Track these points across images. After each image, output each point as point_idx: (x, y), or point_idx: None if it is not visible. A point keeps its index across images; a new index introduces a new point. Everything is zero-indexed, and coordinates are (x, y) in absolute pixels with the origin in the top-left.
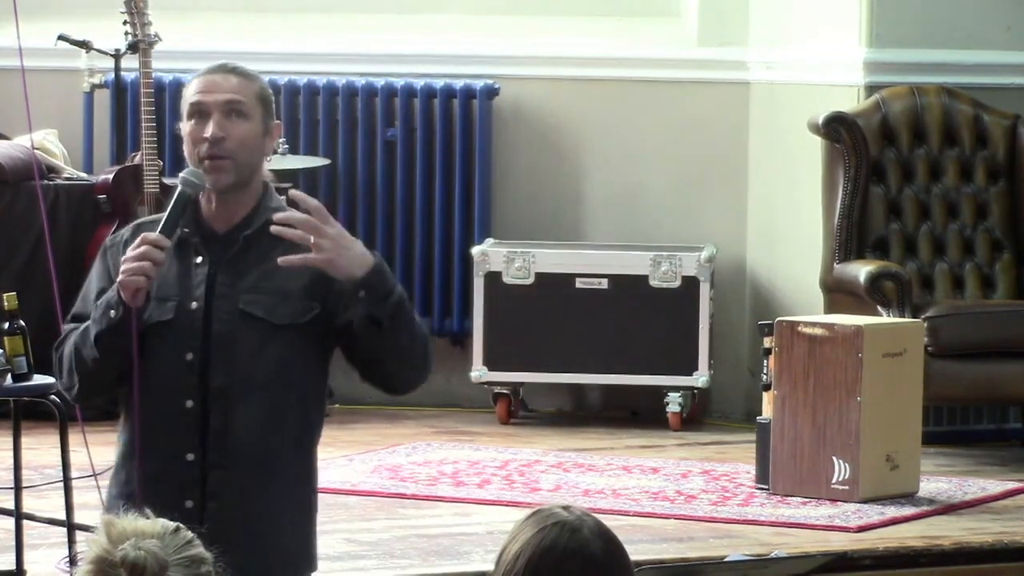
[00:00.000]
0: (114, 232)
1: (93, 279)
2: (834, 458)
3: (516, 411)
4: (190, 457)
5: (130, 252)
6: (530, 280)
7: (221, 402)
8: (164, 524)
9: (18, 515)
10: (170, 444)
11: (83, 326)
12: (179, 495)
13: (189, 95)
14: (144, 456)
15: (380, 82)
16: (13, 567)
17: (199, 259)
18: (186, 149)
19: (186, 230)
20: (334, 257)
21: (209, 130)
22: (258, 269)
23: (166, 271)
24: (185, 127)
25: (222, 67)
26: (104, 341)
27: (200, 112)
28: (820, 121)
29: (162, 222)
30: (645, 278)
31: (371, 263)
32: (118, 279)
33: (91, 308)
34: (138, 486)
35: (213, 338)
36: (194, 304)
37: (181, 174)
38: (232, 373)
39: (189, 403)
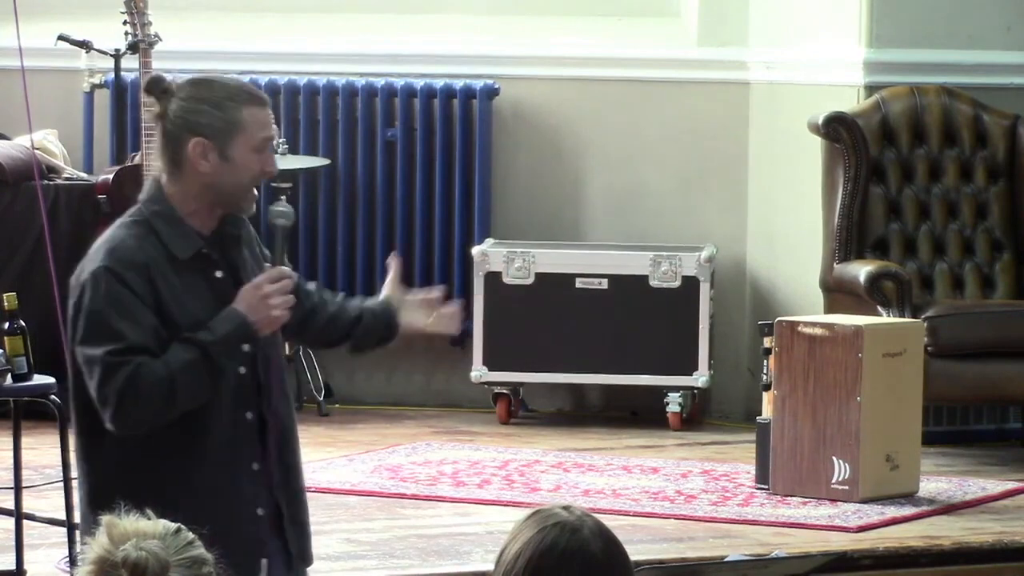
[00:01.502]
0: (104, 260)
1: (126, 307)
2: (834, 458)
3: (516, 411)
4: (255, 467)
5: (271, 287)
6: (530, 280)
7: (271, 411)
8: (165, 525)
9: (18, 515)
10: (237, 457)
11: (182, 359)
12: (251, 504)
13: (255, 125)
14: (210, 472)
15: (380, 82)
16: (13, 567)
17: (219, 273)
18: (235, 175)
19: (205, 250)
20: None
21: (274, 167)
22: (250, 271)
23: (195, 291)
24: (247, 155)
25: (266, 99)
26: (228, 373)
27: (267, 146)
28: (820, 121)
29: (275, 256)
30: (645, 278)
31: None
32: (274, 313)
33: (148, 338)
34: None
35: (250, 347)
36: None
37: (274, 209)
38: (270, 380)
39: (249, 415)
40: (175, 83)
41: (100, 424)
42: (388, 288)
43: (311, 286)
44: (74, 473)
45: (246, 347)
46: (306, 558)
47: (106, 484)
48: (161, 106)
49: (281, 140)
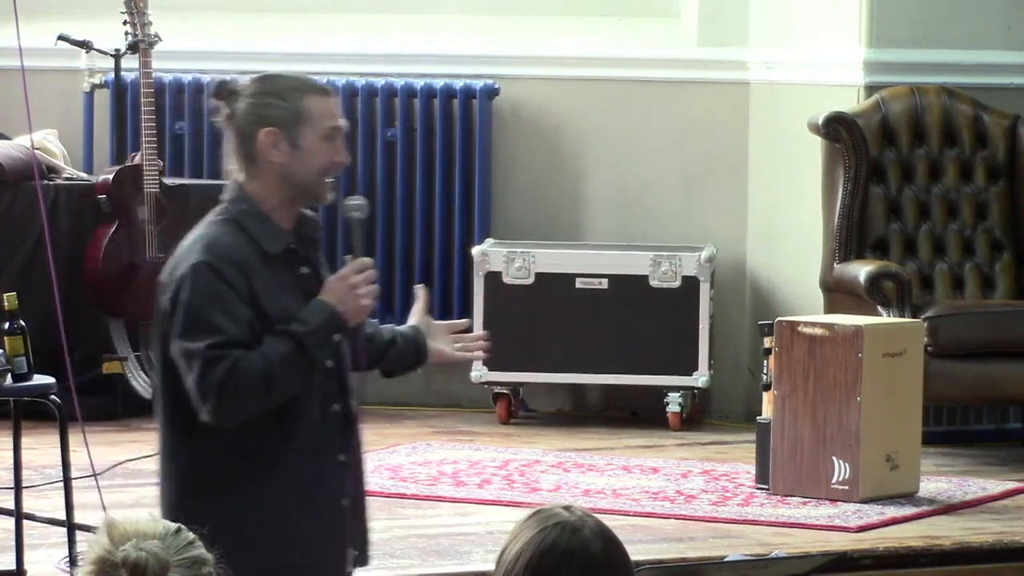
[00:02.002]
0: (201, 255)
1: (224, 302)
2: (834, 458)
3: (516, 411)
4: (341, 458)
5: (357, 278)
6: (530, 280)
7: (353, 402)
8: (165, 525)
9: (18, 515)
10: (325, 448)
11: (277, 352)
12: (337, 495)
13: (323, 114)
14: (300, 463)
15: (380, 82)
16: (13, 567)
17: (304, 269)
18: (306, 164)
19: (293, 245)
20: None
21: (345, 156)
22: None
23: (284, 286)
24: (316, 144)
25: (332, 90)
26: (319, 365)
27: (336, 135)
28: (820, 121)
29: (355, 247)
30: (645, 278)
31: None
32: (363, 303)
33: (245, 331)
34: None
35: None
36: None
37: (348, 202)
38: (348, 370)
39: (336, 407)
40: (240, 84)
41: (194, 417)
42: (415, 317)
43: None
44: (75, 473)
45: (337, 337)
46: (366, 557)
47: (200, 475)
48: (229, 107)
49: None
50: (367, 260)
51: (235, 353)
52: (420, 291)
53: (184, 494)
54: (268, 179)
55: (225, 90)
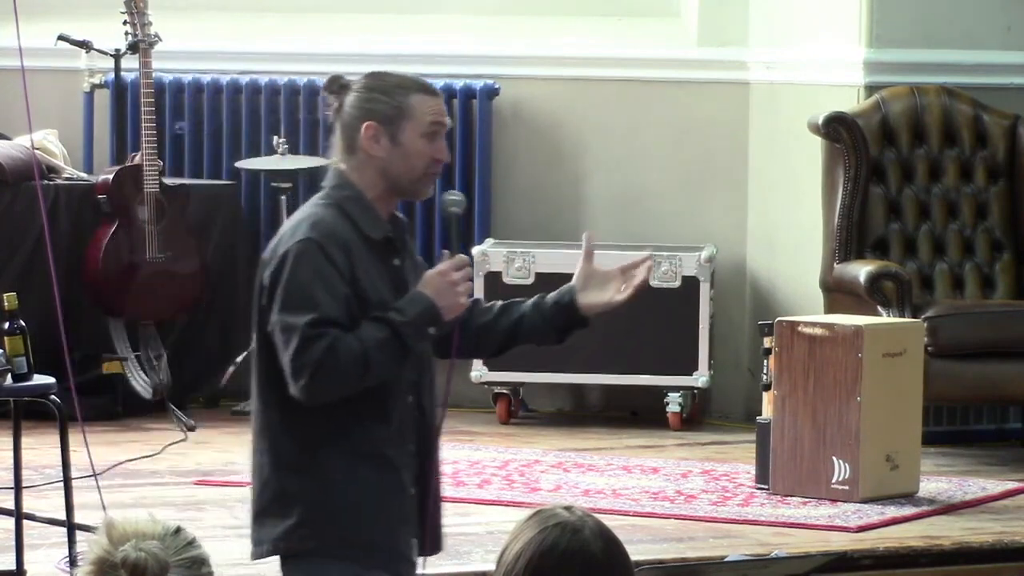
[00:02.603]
0: (308, 233)
1: (328, 280)
2: (834, 458)
3: (516, 411)
4: (411, 448)
5: (457, 274)
6: (530, 280)
7: (429, 398)
8: (165, 525)
9: (18, 515)
10: (400, 437)
11: (375, 337)
12: (408, 484)
13: (424, 111)
14: (380, 449)
15: None
16: (13, 567)
17: (397, 260)
18: (406, 160)
19: (391, 236)
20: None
21: (446, 154)
22: (410, 263)
23: (381, 273)
24: (415, 141)
25: (438, 91)
26: (413, 353)
27: (438, 133)
28: (820, 121)
29: (453, 242)
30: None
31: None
32: (461, 300)
33: (344, 313)
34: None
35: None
36: None
37: (447, 197)
38: (425, 366)
39: (410, 399)
40: (350, 79)
41: (287, 392)
42: (580, 264)
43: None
44: (75, 473)
45: (432, 330)
46: (436, 546)
47: (288, 450)
48: (339, 100)
49: (281, 140)
50: (464, 257)
51: (333, 332)
52: (585, 238)
53: (274, 467)
54: (368, 172)
55: (336, 84)
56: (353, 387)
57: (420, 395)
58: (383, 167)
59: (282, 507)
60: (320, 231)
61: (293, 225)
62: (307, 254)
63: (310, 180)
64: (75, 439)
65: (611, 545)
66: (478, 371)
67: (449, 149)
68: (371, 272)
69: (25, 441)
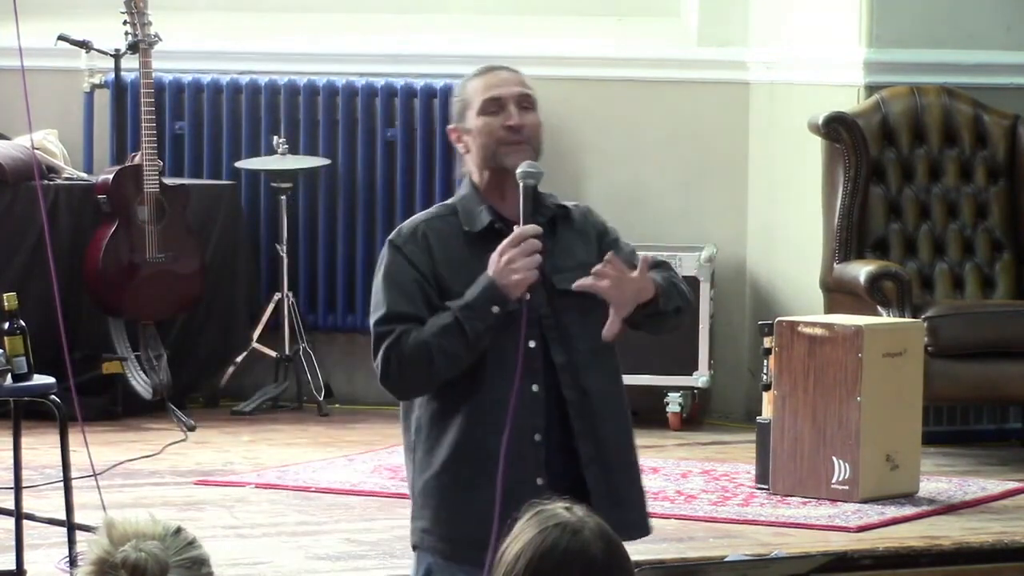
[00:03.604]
0: (390, 237)
1: (399, 276)
2: (834, 458)
3: None
4: (537, 438)
5: (513, 250)
6: None
7: (569, 387)
8: (165, 525)
9: (18, 515)
10: (519, 427)
11: (437, 325)
12: (533, 474)
13: (477, 92)
14: (486, 438)
15: (380, 82)
16: (13, 567)
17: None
18: (478, 141)
19: (497, 224)
20: (614, 292)
21: (513, 119)
22: (557, 248)
23: (481, 263)
24: (477, 122)
25: (501, 66)
26: (484, 337)
27: (498, 105)
28: (820, 121)
29: (521, 216)
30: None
31: (650, 295)
32: (513, 278)
33: (417, 307)
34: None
35: (543, 320)
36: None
37: (520, 169)
38: (569, 351)
39: (535, 387)
40: None
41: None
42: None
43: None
44: (75, 473)
45: (496, 310)
46: (642, 527)
47: (409, 439)
48: None
49: (281, 140)
50: (531, 228)
51: (399, 328)
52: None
53: (406, 455)
54: (472, 168)
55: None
56: (424, 377)
57: (548, 383)
58: (472, 158)
59: (412, 499)
60: (400, 231)
61: None
62: (383, 258)
63: (310, 180)
64: (75, 439)
65: (611, 545)
66: None
67: (447, 150)
68: (463, 263)
69: (25, 441)
